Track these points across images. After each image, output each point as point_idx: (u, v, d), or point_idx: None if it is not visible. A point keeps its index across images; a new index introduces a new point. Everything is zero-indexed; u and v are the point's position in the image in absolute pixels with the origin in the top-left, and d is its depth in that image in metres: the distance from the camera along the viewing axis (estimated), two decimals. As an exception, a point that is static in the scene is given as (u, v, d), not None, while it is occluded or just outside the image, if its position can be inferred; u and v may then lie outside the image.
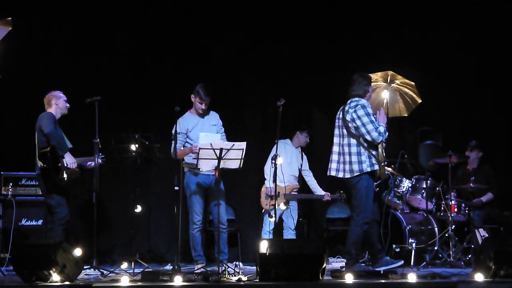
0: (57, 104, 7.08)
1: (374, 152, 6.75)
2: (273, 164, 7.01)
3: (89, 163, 7.11)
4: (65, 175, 6.88)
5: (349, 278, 6.01)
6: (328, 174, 6.98)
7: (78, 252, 6.18)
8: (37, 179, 7.16)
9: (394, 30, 9.29)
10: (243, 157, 6.74)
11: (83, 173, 7.13)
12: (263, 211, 8.21)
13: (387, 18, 9.30)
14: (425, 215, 8.20)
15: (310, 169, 8.44)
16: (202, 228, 7.39)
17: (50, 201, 6.95)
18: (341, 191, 8.17)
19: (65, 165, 6.90)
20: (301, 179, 8.37)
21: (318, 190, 8.30)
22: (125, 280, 6.06)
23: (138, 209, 7.23)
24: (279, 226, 8.17)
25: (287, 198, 7.97)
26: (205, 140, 6.81)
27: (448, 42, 9.27)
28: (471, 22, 9.24)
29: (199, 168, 6.81)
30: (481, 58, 9.22)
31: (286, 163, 8.03)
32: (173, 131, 7.03)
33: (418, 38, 9.30)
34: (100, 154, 7.09)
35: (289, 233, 8.09)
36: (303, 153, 8.32)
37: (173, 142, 7.01)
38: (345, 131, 6.79)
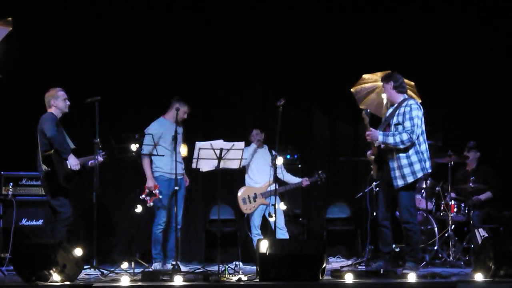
0: (55, 105, 7.05)
1: None
2: (272, 164, 7.05)
3: (90, 162, 7.09)
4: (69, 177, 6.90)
5: (349, 278, 6.01)
6: None
7: (78, 252, 6.17)
8: (41, 181, 7.13)
9: (394, 30, 9.29)
10: (242, 157, 6.77)
11: (85, 173, 7.10)
12: (245, 216, 8.24)
13: (387, 18, 9.30)
14: (425, 215, 8.21)
15: (311, 169, 8.42)
16: (164, 229, 7.56)
17: (55, 203, 6.93)
18: (319, 171, 8.15)
19: (69, 167, 6.90)
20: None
21: (294, 179, 8.23)
22: (125, 280, 6.06)
23: (138, 209, 7.25)
24: (265, 227, 8.18)
25: (266, 195, 7.97)
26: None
27: (447, 42, 9.27)
28: (471, 21, 9.25)
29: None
30: (481, 58, 9.22)
31: (255, 164, 8.13)
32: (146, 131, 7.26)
33: (418, 38, 9.29)
34: (101, 151, 7.07)
35: (280, 233, 7.97)
36: (272, 150, 8.25)
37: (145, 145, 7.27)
38: None
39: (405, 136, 6.55)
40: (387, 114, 6.88)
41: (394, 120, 6.73)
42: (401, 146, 6.59)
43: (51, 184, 6.91)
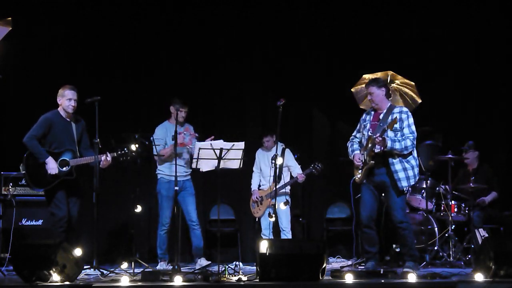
0: (60, 103, 7.00)
1: None
2: (272, 165, 7.06)
3: (102, 161, 6.90)
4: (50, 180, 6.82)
5: (349, 278, 6.02)
6: None
7: (78, 252, 6.18)
8: None
9: (394, 30, 9.29)
10: (242, 157, 6.78)
11: (76, 175, 6.97)
12: (257, 219, 8.24)
13: (387, 19, 9.30)
14: (425, 215, 8.20)
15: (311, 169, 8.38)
16: (168, 230, 7.73)
17: (48, 204, 6.89)
18: (316, 162, 8.10)
19: (47, 171, 6.79)
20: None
21: (294, 173, 8.15)
22: (125, 280, 6.06)
23: (138, 209, 7.25)
24: (275, 227, 8.16)
25: (270, 197, 7.96)
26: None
27: (447, 42, 9.27)
28: (470, 21, 9.25)
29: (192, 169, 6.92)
30: (481, 58, 9.22)
31: (264, 166, 8.17)
32: (151, 138, 7.43)
33: (418, 38, 9.29)
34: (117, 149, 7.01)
35: (283, 234, 8.05)
36: (285, 151, 8.13)
37: (154, 146, 7.45)
38: None
39: (408, 142, 6.71)
40: (380, 118, 6.88)
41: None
42: (405, 152, 6.74)
43: (32, 188, 6.93)
